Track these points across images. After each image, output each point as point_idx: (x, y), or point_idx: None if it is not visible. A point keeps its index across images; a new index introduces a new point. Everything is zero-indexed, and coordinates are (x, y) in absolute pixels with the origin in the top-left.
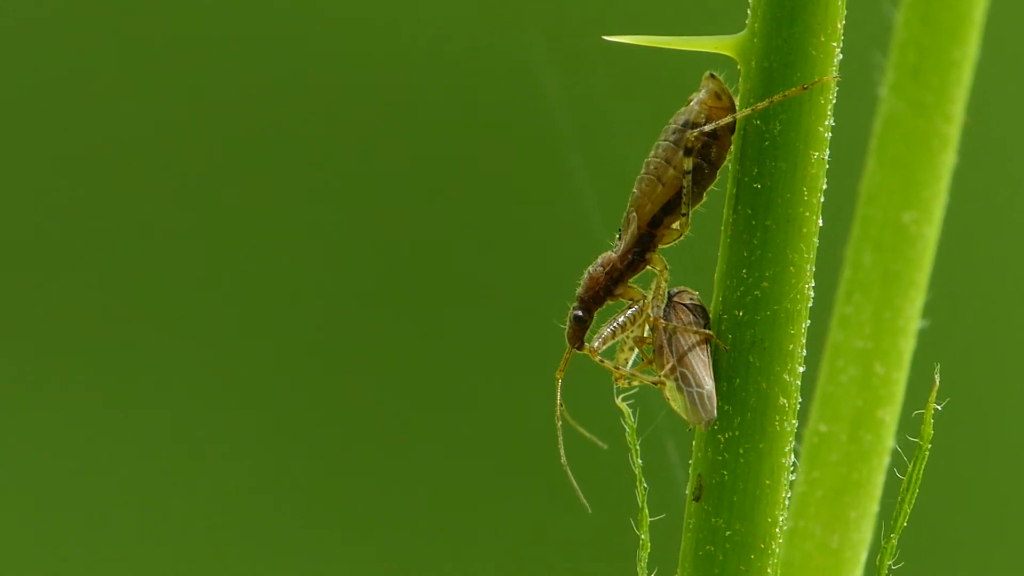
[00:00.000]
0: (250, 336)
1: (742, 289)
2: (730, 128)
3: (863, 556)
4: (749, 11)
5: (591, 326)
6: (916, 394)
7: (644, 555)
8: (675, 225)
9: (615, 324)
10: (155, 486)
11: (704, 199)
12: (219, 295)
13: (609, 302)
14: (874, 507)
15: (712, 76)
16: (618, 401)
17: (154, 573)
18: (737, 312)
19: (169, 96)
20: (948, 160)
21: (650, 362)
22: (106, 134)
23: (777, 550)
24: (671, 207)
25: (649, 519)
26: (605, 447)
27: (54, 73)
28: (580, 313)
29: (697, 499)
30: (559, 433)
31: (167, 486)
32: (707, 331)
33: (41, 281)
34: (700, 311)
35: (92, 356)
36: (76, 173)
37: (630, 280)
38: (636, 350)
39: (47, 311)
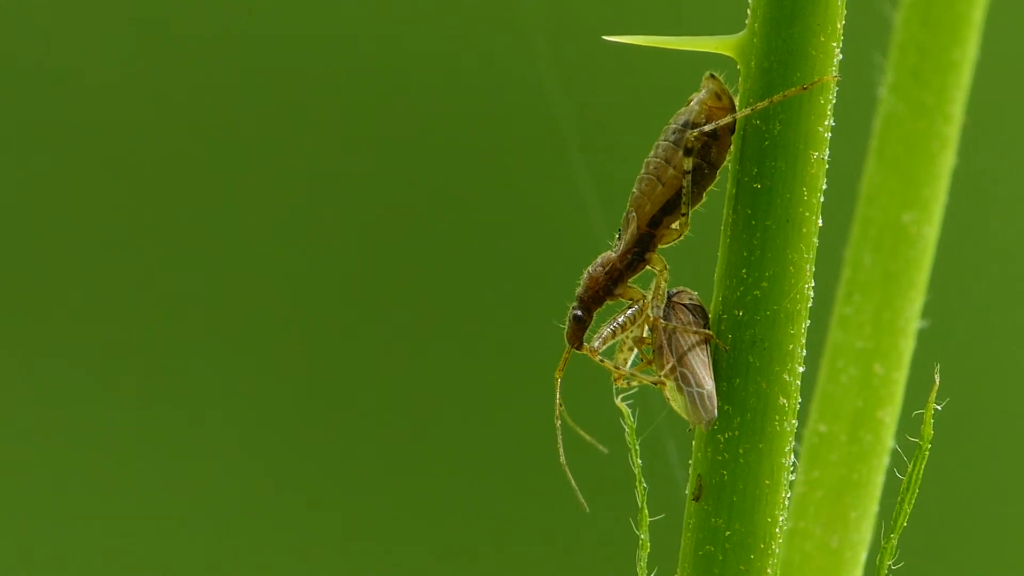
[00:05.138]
0: (258, 336)
1: (742, 289)
2: (730, 128)
3: (863, 556)
4: (749, 11)
5: (591, 326)
6: (916, 394)
7: (644, 555)
8: (675, 225)
9: (615, 324)
10: (165, 486)
11: (704, 199)
12: (233, 297)
13: (609, 302)
14: (874, 507)
15: (712, 76)
16: (618, 401)
17: (166, 572)
18: (737, 312)
19: (177, 99)
20: (948, 161)
21: (650, 362)
22: (105, 134)
23: (777, 550)
24: (671, 207)
25: (649, 519)
26: (605, 451)
27: (53, 73)
28: (580, 313)
29: (697, 499)
30: (558, 433)
31: (176, 486)
32: (707, 331)
33: (48, 281)
34: (699, 311)
35: (100, 356)
36: (86, 176)
37: (630, 280)
38: (636, 350)
39: (52, 311)
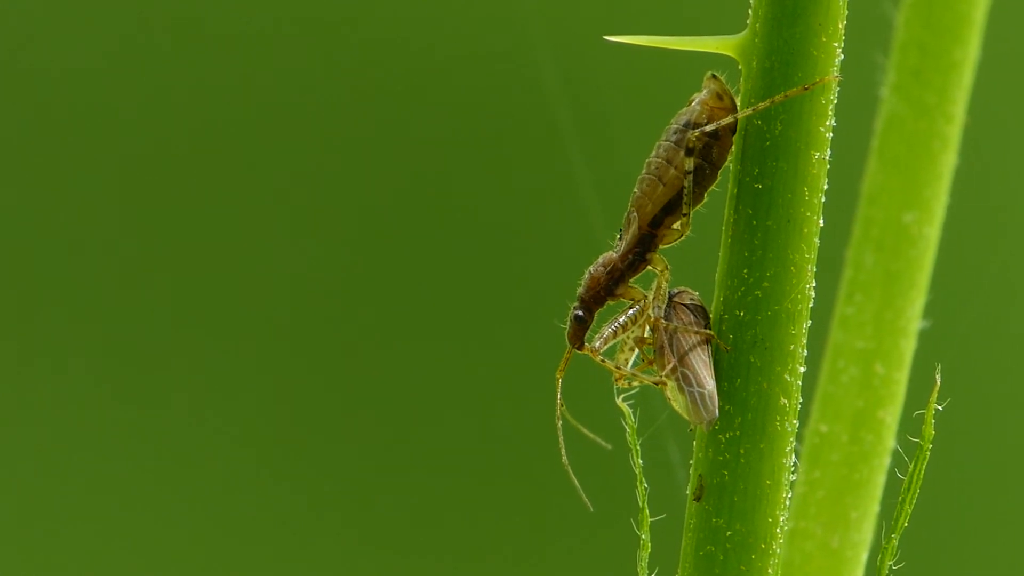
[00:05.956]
0: (258, 335)
1: (743, 289)
2: (731, 128)
3: (864, 556)
4: (750, 11)
5: (592, 326)
6: (917, 394)
7: (645, 555)
8: (676, 225)
9: (616, 324)
10: (165, 486)
11: (705, 199)
12: (233, 296)
13: (610, 302)
14: (875, 507)
15: (713, 76)
16: (619, 401)
17: (161, 572)
18: (738, 312)
19: (177, 99)
20: (949, 161)
21: (651, 362)
22: (104, 133)
23: (778, 550)
24: (672, 207)
25: (650, 519)
26: (609, 447)
27: (50, 70)
28: (581, 313)
29: (698, 499)
30: (560, 433)
31: (176, 486)
32: (708, 331)
33: (47, 281)
34: (700, 311)
35: (100, 353)
36: (86, 176)
37: (631, 280)
38: (637, 350)
39: (51, 310)
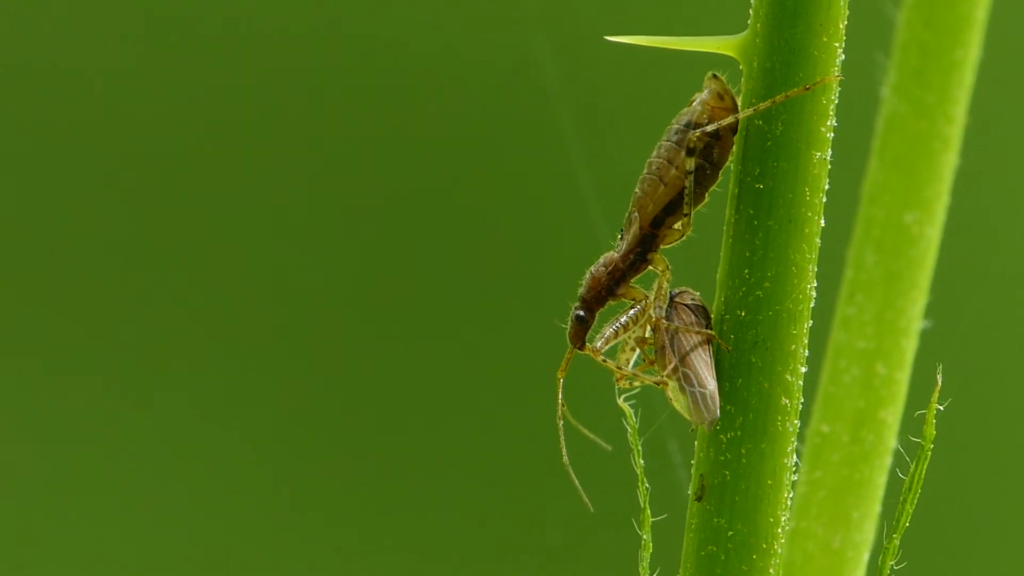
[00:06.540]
0: (259, 335)
1: (744, 289)
2: (732, 128)
3: (865, 556)
4: (751, 11)
5: (593, 326)
6: (918, 394)
7: (646, 555)
8: (677, 225)
9: (617, 324)
10: (165, 485)
11: (706, 199)
12: (234, 296)
13: (611, 302)
14: (876, 507)
15: (714, 76)
16: (620, 401)
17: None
18: (739, 312)
19: (178, 99)
20: (950, 161)
21: (652, 362)
22: (105, 133)
23: (779, 550)
24: (673, 207)
25: (651, 519)
26: (609, 448)
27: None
28: (582, 313)
29: (699, 499)
30: (561, 433)
31: (175, 485)
32: (709, 331)
33: (49, 281)
34: (701, 311)
35: (101, 353)
36: (88, 175)
37: (632, 280)
38: (638, 350)
39: (52, 310)
